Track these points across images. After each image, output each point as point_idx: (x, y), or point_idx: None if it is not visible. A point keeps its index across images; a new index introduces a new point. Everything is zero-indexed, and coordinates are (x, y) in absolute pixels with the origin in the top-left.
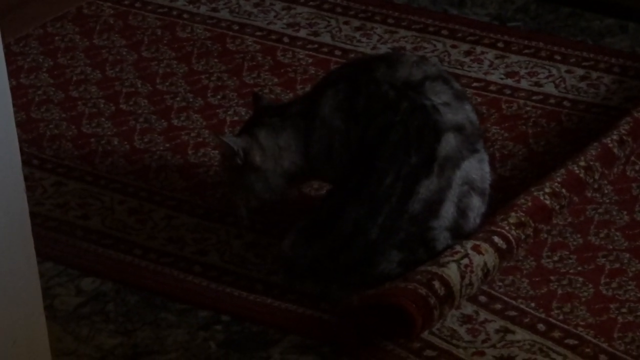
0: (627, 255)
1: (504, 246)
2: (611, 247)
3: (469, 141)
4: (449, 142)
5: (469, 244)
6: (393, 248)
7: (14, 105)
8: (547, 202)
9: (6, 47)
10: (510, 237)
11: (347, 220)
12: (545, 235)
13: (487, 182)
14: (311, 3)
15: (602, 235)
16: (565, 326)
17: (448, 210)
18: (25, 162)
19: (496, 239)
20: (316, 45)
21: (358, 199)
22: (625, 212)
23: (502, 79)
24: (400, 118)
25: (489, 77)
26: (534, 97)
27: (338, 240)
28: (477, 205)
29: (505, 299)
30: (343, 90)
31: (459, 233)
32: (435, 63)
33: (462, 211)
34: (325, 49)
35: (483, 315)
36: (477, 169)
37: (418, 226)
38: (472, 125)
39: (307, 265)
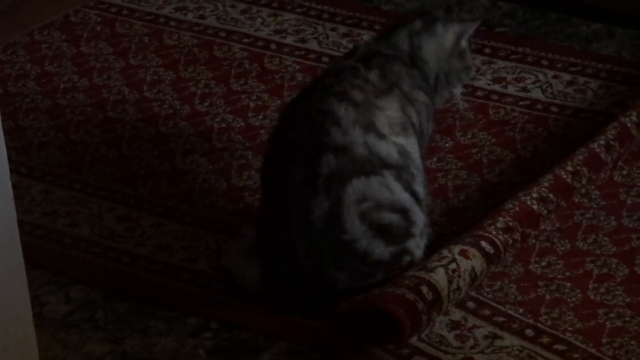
0: (615, 260)
1: (492, 251)
2: (599, 252)
3: (351, 163)
4: (330, 163)
5: (457, 249)
6: (332, 270)
7: (1, 113)
8: (535, 207)
9: None
10: (498, 242)
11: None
12: (533, 241)
13: (392, 200)
14: (298, 10)
15: (589, 240)
16: (554, 332)
17: (354, 226)
18: (13, 170)
19: (484, 243)
20: (303, 52)
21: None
22: (612, 217)
23: (489, 84)
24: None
25: (476, 83)
26: (521, 103)
27: (278, 270)
28: (382, 219)
29: (494, 304)
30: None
31: (392, 237)
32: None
33: (369, 224)
34: (312, 56)
35: (471, 321)
36: (369, 187)
37: (328, 242)
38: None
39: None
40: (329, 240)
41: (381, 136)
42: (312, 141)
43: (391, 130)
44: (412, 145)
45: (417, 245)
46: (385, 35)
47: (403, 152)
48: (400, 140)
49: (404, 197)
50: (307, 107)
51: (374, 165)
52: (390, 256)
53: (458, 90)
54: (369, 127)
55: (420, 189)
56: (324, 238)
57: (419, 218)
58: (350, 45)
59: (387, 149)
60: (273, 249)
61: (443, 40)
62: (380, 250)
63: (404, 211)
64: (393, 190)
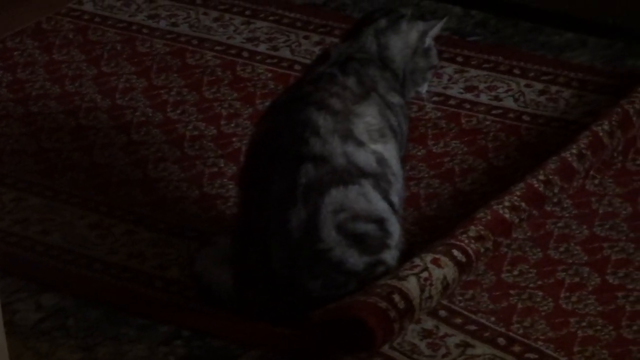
0: (587, 269)
1: (464, 259)
2: (571, 261)
3: (331, 173)
4: (308, 173)
5: (429, 257)
6: (306, 279)
7: None
8: (507, 215)
9: None
10: (470, 251)
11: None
12: (505, 249)
13: (369, 212)
14: (271, 18)
15: (561, 249)
16: (526, 340)
17: (330, 235)
18: None
19: (455, 252)
20: (276, 60)
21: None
22: (584, 226)
23: (461, 93)
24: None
25: (449, 92)
26: (493, 112)
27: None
28: (357, 231)
29: (466, 313)
30: None
31: (367, 247)
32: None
33: (345, 234)
34: (284, 64)
35: (443, 329)
36: (346, 198)
37: (306, 252)
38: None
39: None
40: (305, 249)
41: (360, 144)
42: (291, 151)
43: (369, 137)
44: (390, 152)
45: (392, 257)
46: (353, 36)
47: (381, 160)
48: (379, 147)
49: (382, 207)
50: (286, 117)
51: (353, 174)
52: (364, 266)
53: (424, 89)
54: (348, 136)
55: (395, 199)
56: (299, 247)
57: (395, 229)
58: None
59: (365, 158)
60: (247, 256)
61: (408, 38)
62: (354, 259)
63: (380, 221)
64: (371, 200)
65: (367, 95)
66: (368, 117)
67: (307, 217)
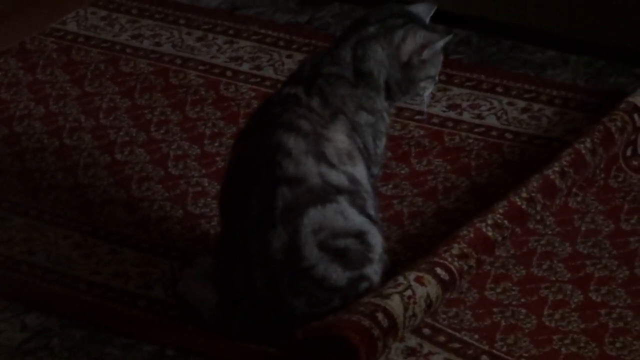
0: (570, 286)
1: (447, 277)
2: (554, 278)
3: (309, 193)
4: (285, 194)
5: (412, 275)
6: (290, 297)
7: None
8: (490, 233)
9: None
10: (453, 269)
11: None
12: (488, 267)
13: (347, 230)
14: (254, 37)
15: (544, 266)
16: (509, 358)
17: (313, 253)
18: None
19: (439, 270)
20: (259, 79)
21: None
22: (567, 244)
23: (444, 111)
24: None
25: (432, 110)
26: (476, 130)
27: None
28: (339, 248)
29: (449, 331)
30: None
31: (350, 261)
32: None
33: (328, 251)
34: (268, 83)
35: (427, 347)
36: (325, 216)
37: (289, 271)
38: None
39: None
40: (288, 268)
41: (331, 166)
42: (265, 175)
43: (339, 161)
44: (360, 172)
45: (375, 272)
46: (335, 43)
47: (352, 180)
48: (349, 169)
49: (360, 221)
50: (257, 141)
51: (329, 192)
52: (347, 282)
53: (426, 93)
54: (320, 157)
55: (372, 212)
56: (282, 267)
57: (377, 240)
58: None
59: (337, 178)
60: (230, 276)
61: (399, 52)
62: (337, 275)
63: (360, 235)
64: (348, 216)
65: (334, 118)
66: (336, 142)
67: (287, 239)
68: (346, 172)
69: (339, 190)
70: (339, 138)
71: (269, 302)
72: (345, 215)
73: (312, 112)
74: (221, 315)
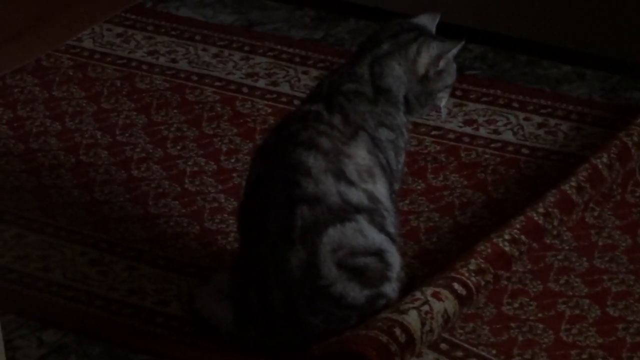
0: (587, 301)
1: (464, 293)
2: (571, 293)
3: (328, 212)
4: (304, 214)
5: (429, 291)
6: (307, 315)
7: None
8: (507, 248)
9: None
10: (470, 284)
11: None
12: (505, 282)
13: (366, 247)
14: (269, 53)
15: (562, 281)
16: None
17: (331, 272)
18: None
19: (456, 285)
20: (275, 95)
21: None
22: (584, 259)
23: (460, 126)
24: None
25: (448, 125)
26: (492, 145)
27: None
28: (357, 266)
29: (466, 346)
30: None
31: (368, 280)
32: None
33: (346, 269)
34: (284, 99)
35: None
36: (344, 234)
37: (308, 290)
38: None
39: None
40: (306, 287)
41: (351, 183)
42: (284, 194)
43: (359, 178)
44: (380, 190)
45: (392, 290)
46: (351, 61)
47: (372, 197)
48: (369, 186)
49: (379, 239)
50: (276, 159)
51: (347, 211)
52: (366, 300)
53: (442, 103)
54: (340, 176)
55: (392, 229)
56: (300, 285)
57: (395, 259)
58: None
59: (357, 196)
60: (247, 293)
61: (416, 65)
62: (355, 293)
63: (379, 253)
64: (367, 235)
65: (355, 135)
66: (357, 158)
67: (306, 257)
68: (366, 190)
69: (358, 209)
70: (359, 154)
71: (285, 320)
72: (364, 233)
73: (333, 129)
74: (237, 332)
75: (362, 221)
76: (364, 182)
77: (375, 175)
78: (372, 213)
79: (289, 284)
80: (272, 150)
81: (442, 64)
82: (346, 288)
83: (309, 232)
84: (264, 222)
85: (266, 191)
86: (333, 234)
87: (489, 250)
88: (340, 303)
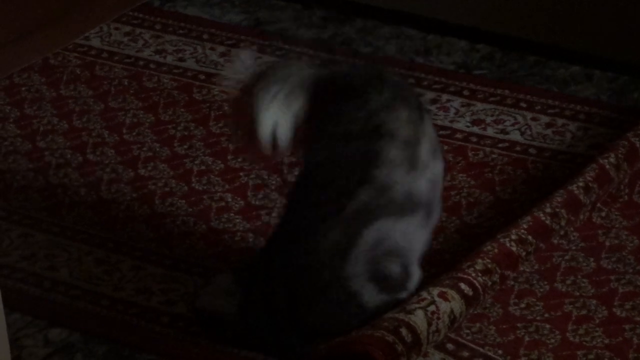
0: (594, 301)
1: (471, 293)
2: (578, 293)
3: (377, 206)
4: (362, 198)
5: (436, 291)
6: (313, 302)
7: None
8: (514, 248)
9: None
10: (477, 284)
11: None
12: (512, 282)
13: (407, 248)
14: (278, 52)
15: (568, 282)
16: None
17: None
18: None
19: (462, 285)
20: None
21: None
22: (591, 259)
23: (468, 126)
24: None
25: (455, 125)
26: (500, 145)
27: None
28: (398, 260)
29: (473, 346)
30: None
31: (386, 284)
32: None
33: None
34: None
35: None
36: (388, 230)
37: (353, 230)
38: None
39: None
40: (327, 271)
41: (422, 167)
42: (352, 174)
43: (430, 156)
44: (437, 169)
45: (403, 299)
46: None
47: (434, 182)
48: (437, 164)
49: (417, 248)
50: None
51: (406, 208)
52: (379, 304)
53: None
54: (413, 164)
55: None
56: (321, 268)
57: (416, 274)
58: None
59: (421, 187)
60: (270, 261)
61: None
62: (371, 296)
63: (406, 264)
64: (411, 240)
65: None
66: (430, 131)
67: (344, 241)
68: (434, 169)
69: (417, 204)
70: (430, 130)
71: (290, 303)
72: (408, 237)
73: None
74: (241, 326)
75: (415, 220)
76: (434, 160)
77: (437, 150)
78: (429, 209)
79: (312, 262)
80: (342, 138)
81: None
82: (364, 287)
83: (359, 216)
84: (318, 196)
85: (330, 173)
86: (380, 228)
87: (496, 251)
88: (351, 300)
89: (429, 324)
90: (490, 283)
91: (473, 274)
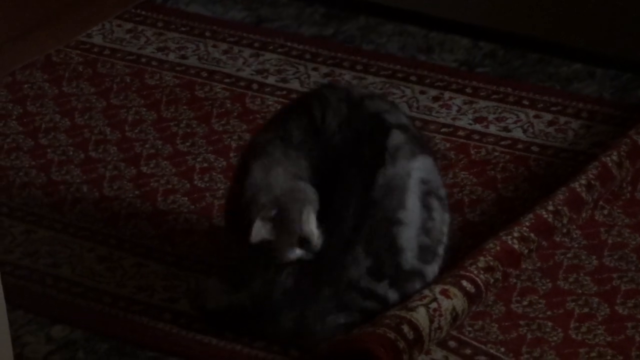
0: (596, 299)
1: (473, 290)
2: (580, 291)
3: (416, 141)
4: (398, 136)
5: (438, 288)
6: (359, 246)
7: None
8: (516, 246)
9: None
10: (479, 282)
11: None
12: (514, 280)
13: (442, 190)
14: (280, 50)
15: (571, 279)
16: None
17: (415, 204)
18: None
19: (465, 283)
20: (285, 92)
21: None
22: (594, 257)
23: (470, 124)
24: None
25: (458, 123)
26: (502, 142)
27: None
28: (438, 209)
29: (475, 343)
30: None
31: (426, 235)
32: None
33: (428, 209)
34: (294, 95)
35: None
36: (431, 170)
37: (384, 215)
38: (415, 129)
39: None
40: (383, 210)
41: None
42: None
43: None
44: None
45: (430, 275)
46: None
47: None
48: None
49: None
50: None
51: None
52: (408, 271)
53: None
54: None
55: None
56: (376, 209)
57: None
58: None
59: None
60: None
61: None
62: (382, 288)
63: (442, 200)
64: (437, 172)
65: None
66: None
67: (394, 179)
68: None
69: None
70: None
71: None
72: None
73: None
74: (242, 318)
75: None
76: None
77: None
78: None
79: (366, 204)
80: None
81: None
82: (408, 237)
83: (400, 151)
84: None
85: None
86: (420, 160)
87: (498, 248)
88: (365, 291)
89: (431, 321)
90: (492, 281)
91: (475, 272)
